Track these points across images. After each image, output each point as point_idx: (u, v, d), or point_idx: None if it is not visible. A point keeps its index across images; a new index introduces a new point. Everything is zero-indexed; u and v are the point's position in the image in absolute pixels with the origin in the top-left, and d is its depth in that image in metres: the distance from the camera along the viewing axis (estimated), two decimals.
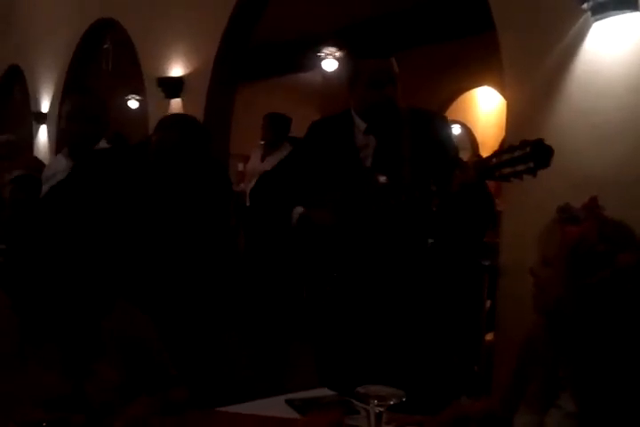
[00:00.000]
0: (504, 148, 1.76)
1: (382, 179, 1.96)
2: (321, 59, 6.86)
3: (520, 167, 1.68)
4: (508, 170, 1.71)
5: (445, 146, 2.10)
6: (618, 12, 2.65)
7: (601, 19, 2.71)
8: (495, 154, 1.76)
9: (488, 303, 3.40)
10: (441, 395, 2.08)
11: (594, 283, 1.22)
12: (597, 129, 2.76)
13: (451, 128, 2.13)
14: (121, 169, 2.21)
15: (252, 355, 4.30)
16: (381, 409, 1.12)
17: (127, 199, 2.08)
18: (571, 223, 1.28)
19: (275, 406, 1.58)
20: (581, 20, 2.79)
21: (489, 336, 3.36)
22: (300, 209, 2.12)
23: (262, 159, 4.93)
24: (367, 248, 2.05)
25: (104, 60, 6.93)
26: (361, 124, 2.12)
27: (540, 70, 2.96)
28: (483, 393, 2.98)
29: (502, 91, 4.01)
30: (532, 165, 1.66)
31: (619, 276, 1.22)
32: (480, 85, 7.24)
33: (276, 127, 4.84)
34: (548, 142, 1.68)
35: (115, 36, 6.63)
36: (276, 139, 4.82)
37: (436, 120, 2.19)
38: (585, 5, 2.72)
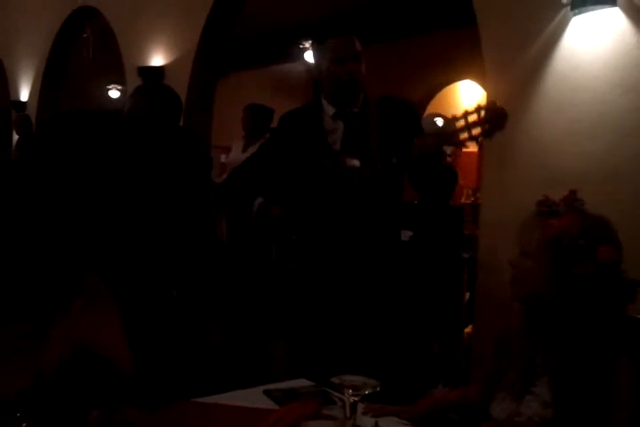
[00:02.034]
0: (459, 114, 1.79)
1: (351, 161, 1.98)
2: (304, 50, 6.83)
3: (476, 131, 1.74)
4: (464, 135, 1.76)
5: (412, 131, 2.12)
6: (596, 6, 2.67)
7: (580, 13, 2.73)
8: (451, 120, 1.80)
9: (467, 296, 3.43)
10: (418, 385, 2.10)
11: (575, 275, 1.25)
12: (576, 123, 2.78)
13: (417, 115, 2.16)
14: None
15: (235, 345, 4.30)
16: (356, 399, 1.13)
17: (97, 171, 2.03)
18: (551, 216, 1.31)
19: (252, 397, 1.58)
20: (561, 14, 2.81)
21: (468, 329, 3.38)
22: (259, 200, 2.14)
23: (244, 150, 4.91)
24: (336, 231, 2.05)
25: (84, 49, 6.85)
26: (329, 110, 2.14)
27: (519, 64, 2.98)
28: (461, 384, 3.01)
29: (484, 84, 4.03)
30: (487, 127, 1.71)
31: (598, 269, 1.25)
32: (462, 79, 7.27)
33: (256, 118, 4.82)
34: (500, 104, 1.75)
35: (95, 25, 6.55)
36: (256, 130, 4.81)
37: (404, 107, 2.21)
38: (564, 0, 2.74)
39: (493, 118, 1.72)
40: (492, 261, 3.02)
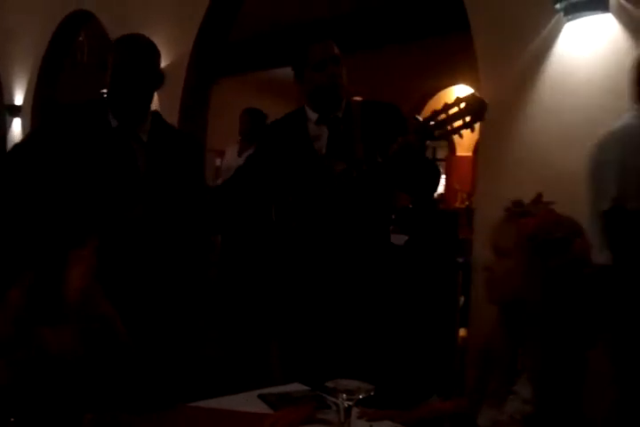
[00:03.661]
0: (440, 108, 1.78)
1: (338, 164, 1.98)
2: None
3: (457, 123, 1.72)
4: (446, 128, 1.75)
5: (397, 132, 2.12)
6: (589, 12, 2.70)
7: (573, 19, 2.75)
8: (432, 115, 1.79)
9: (462, 300, 3.44)
10: (414, 390, 2.10)
11: (553, 268, 1.27)
12: (568, 127, 2.80)
13: (403, 116, 2.16)
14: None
15: (232, 350, 4.31)
16: (350, 403, 1.13)
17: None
18: (523, 217, 1.35)
19: (247, 402, 1.59)
20: (554, 20, 2.83)
21: (462, 332, 3.40)
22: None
23: (240, 154, 4.91)
24: (327, 234, 2.04)
25: (79, 53, 6.85)
26: (312, 116, 2.14)
27: (513, 69, 3.00)
28: (456, 389, 3.02)
29: (478, 89, 4.05)
30: (468, 119, 1.71)
31: (576, 260, 1.28)
32: (456, 83, 7.30)
33: (254, 122, 4.83)
34: (482, 97, 1.73)
35: (90, 29, 6.55)
36: (253, 133, 4.81)
37: (388, 109, 2.20)
38: (558, 5, 2.76)
39: (474, 110, 1.71)
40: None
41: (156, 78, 2.03)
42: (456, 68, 6.54)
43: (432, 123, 1.78)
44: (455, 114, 1.73)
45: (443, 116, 1.76)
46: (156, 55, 2.05)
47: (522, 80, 2.96)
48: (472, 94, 1.73)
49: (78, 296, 1.36)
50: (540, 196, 1.39)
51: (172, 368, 1.99)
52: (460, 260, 3.38)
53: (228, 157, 5.20)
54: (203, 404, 1.56)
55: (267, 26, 6.53)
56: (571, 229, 1.31)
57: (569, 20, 2.78)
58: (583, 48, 2.77)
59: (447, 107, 1.75)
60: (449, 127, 1.75)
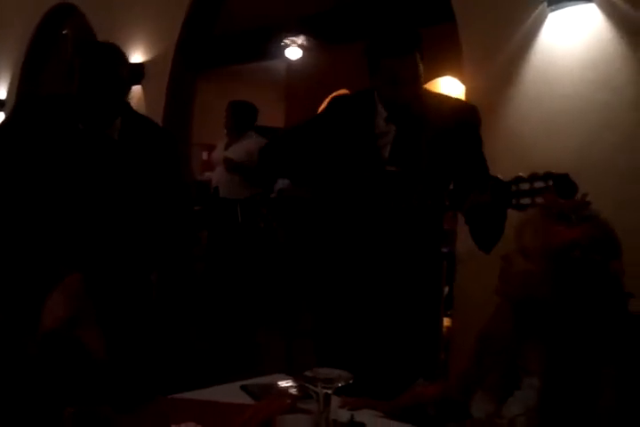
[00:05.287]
0: (525, 175, 1.66)
1: (396, 172, 1.90)
2: (285, 47, 6.81)
3: (540, 200, 1.58)
4: (526, 200, 1.62)
5: (468, 138, 2.03)
6: (573, 3, 2.71)
7: (556, 9, 2.76)
8: (515, 181, 1.66)
9: (445, 290, 3.45)
10: (398, 379, 2.11)
11: (584, 292, 1.20)
12: (553, 117, 2.81)
13: (477, 116, 2.04)
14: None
15: (219, 342, 4.32)
16: (329, 391, 1.13)
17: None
18: (559, 220, 1.24)
19: (229, 393, 1.59)
20: (538, 10, 2.84)
21: (446, 322, 3.41)
22: (283, 182, 2.12)
23: (226, 148, 4.90)
24: (361, 244, 2.04)
25: (63, 46, 6.80)
26: (382, 112, 2.05)
27: (497, 60, 3.01)
28: (440, 377, 3.03)
29: (464, 80, 4.04)
30: None
31: (611, 283, 1.21)
32: (443, 75, 7.29)
33: (238, 115, 4.80)
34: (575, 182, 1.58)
35: (74, 22, 6.50)
36: (238, 127, 4.78)
37: (460, 109, 2.09)
38: None
39: (562, 190, 1.54)
40: (470, 254, 3.04)
41: (121, 85, 2.01)
42: (441, 60, 6.50)
43: (513, 188, 1.65)
44: (540, 189, 1.59)
45: (526, 186, 1.63)
46: (119, 62, 2.01)
47: (506, 70, 2.97)
48: (566, 175, 1.58)
49: (55, 325, 1.34)
50: (584, 197, 1.27)
51: (156, 361, 1.99)
52: (445, 250, 3.38)
53: (217, 150, 5.18)
54: (185, 395, 1.56)
55: (255, 18, 6.49)
56: (608, 249, 1.20)
57: (552, 11, 2.79)
58: (567, 38, 2.77)
59: (533, 178, 1.62)
60: (529, 200, 1.61)
